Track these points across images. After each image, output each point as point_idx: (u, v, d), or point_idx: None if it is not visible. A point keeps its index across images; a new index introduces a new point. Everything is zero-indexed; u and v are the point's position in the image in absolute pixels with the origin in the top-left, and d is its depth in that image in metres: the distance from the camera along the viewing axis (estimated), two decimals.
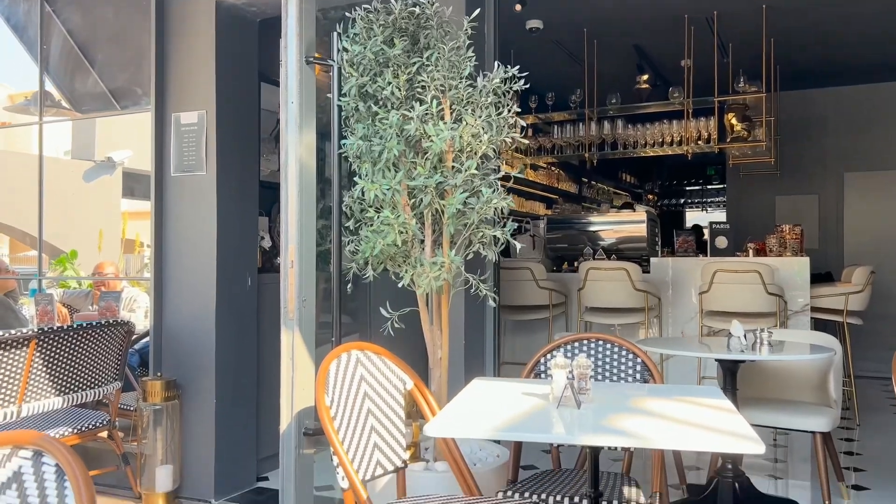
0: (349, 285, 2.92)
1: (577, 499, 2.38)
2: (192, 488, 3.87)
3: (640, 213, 7.07)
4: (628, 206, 9.07)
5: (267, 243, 4.51)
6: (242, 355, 4.04)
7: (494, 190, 2.82)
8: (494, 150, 2.90)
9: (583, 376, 2.14)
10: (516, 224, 2.97)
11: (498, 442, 3.22)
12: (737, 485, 3.43)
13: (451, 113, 2.78)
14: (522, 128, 2.93)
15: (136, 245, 7.15)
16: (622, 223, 6.96)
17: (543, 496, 2.41)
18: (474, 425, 1.94)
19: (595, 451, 2.11)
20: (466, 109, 2.79)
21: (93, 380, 3.74)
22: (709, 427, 1.89)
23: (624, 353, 2.85)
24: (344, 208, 2.92)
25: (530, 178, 8.89)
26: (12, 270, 5.68)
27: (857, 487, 4.02)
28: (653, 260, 6.21)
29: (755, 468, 4.30)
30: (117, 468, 3.88)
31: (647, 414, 2.11)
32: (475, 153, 2.79)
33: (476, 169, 2.75)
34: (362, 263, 2.89)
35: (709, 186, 12.83)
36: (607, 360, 2.87)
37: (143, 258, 6.62)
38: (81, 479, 1.12)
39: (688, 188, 13.21)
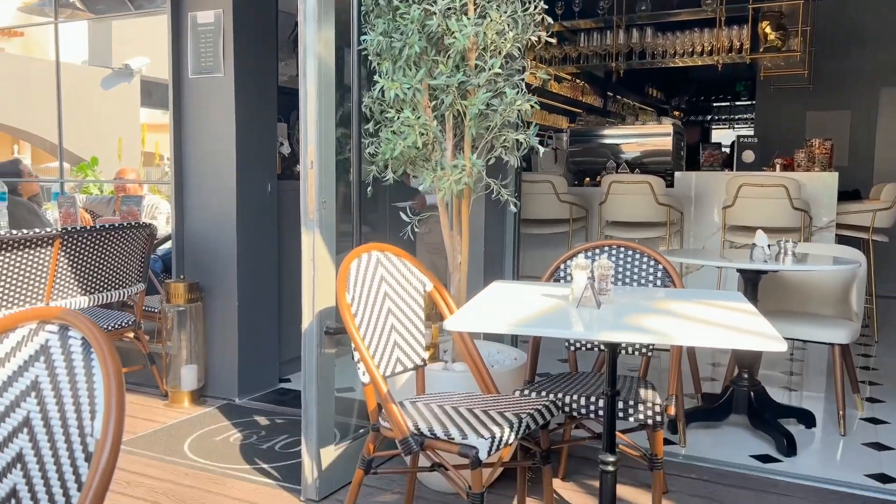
0: (369, 188, 2.89)
1: (593, 398, 2.41)
2: (216, 387, 3.98)
3: (666, 126, 6.90)
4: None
5: (286, 149, 4.47)
6: (263, 260, 4.08)
7: (519, 91, 2.74)
8: (519, 50, 2.80)
9: (604, 277, 2.13)
10: (539, 137, 2.90)
11: (515, 346, 3.26)
12: (752, 394, 3.46)
13: (475, 8, 2.67)
14: (549, 27, 2.81)
15: (156, 157, 7.15)
16: (647, 136, 6.80)
17: (560, 395, 2.44)
18: (493, 320, 1.95)
19: (613, 351, 2.11)
20: (491, 4, 2.67)
21: (117, 280, 3.80)
22: (730, 326, 1.88)
23: (645, 259, 2.82)
24: (364, 109, 2.86)
25: (554, 91, 8.67)
26: (35, 175, 5.72)
27: (871, 400, 4.05)
28: (677, 174, 6.11)
29: (771, 380, 4.34)
30: (144, 367, 4.00)
31: (667, 314, 2.10)
32: (499, 52, 2.69)
33: (500, 68, 2.66)
34: (382, 166, 2.85)
35: (737, 103, 12.47)
36: (628, 266, 2.85)
37: (163, 170, 6.62)
38: (107, 351, 1.13)
39: (715, 104, 12.85)
